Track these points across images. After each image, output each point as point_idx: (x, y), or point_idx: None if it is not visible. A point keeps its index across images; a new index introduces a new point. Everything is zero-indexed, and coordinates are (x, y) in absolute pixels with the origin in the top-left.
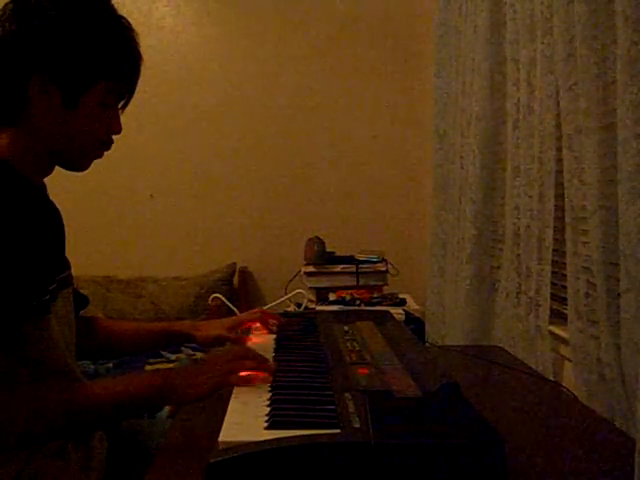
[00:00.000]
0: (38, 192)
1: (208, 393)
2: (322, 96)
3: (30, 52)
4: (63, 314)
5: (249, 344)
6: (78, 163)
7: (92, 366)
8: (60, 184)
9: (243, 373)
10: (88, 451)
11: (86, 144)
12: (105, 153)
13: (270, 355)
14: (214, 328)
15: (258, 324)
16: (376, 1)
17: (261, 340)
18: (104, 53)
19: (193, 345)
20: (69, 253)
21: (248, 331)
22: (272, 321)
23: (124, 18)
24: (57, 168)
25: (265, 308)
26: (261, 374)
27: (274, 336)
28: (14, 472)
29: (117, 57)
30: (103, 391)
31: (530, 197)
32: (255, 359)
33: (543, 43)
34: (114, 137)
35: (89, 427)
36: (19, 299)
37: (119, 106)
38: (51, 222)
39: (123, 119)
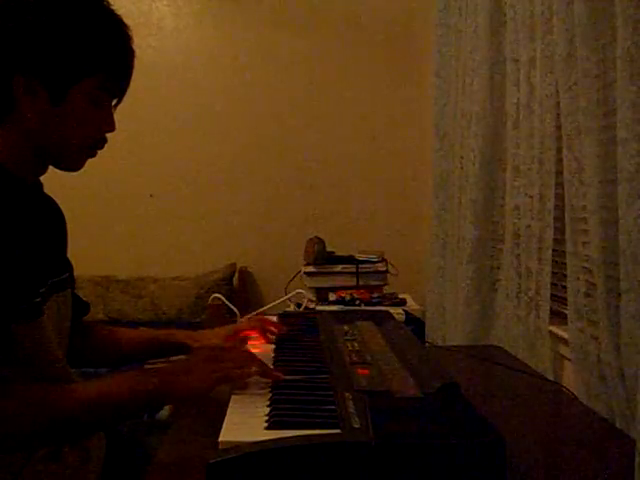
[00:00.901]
0: (32, 192)
1: (212, 388)
2: (322, 96)
3: (13, 50)
4: (56, 317)
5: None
6: (71, 162)
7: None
8: (60, 184)
9: None
10: (85, 452)
11: (77, 142)
12: (106, 153)
13: (270, 355)
14: (211, 338)
15: (256, 334)
16: (376, 2)
17: (259, 350)
18: (88, 48)
19: None
20: (69, 253)
21: (246, 340)
22: (272, 329)
23: (113, 13)
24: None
25: (265, 308)
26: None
27: (272, 346)
28: (10, 476)
29: (103, 52)
30: (91, 393)
31: (530, 197)
32: (260, 367)
33: (543, 43)
34: (110, 136)
35: (79, 431)
36: (6, 301)
37: (112, 104)
38: (47, 223)
39: (123, 119)
